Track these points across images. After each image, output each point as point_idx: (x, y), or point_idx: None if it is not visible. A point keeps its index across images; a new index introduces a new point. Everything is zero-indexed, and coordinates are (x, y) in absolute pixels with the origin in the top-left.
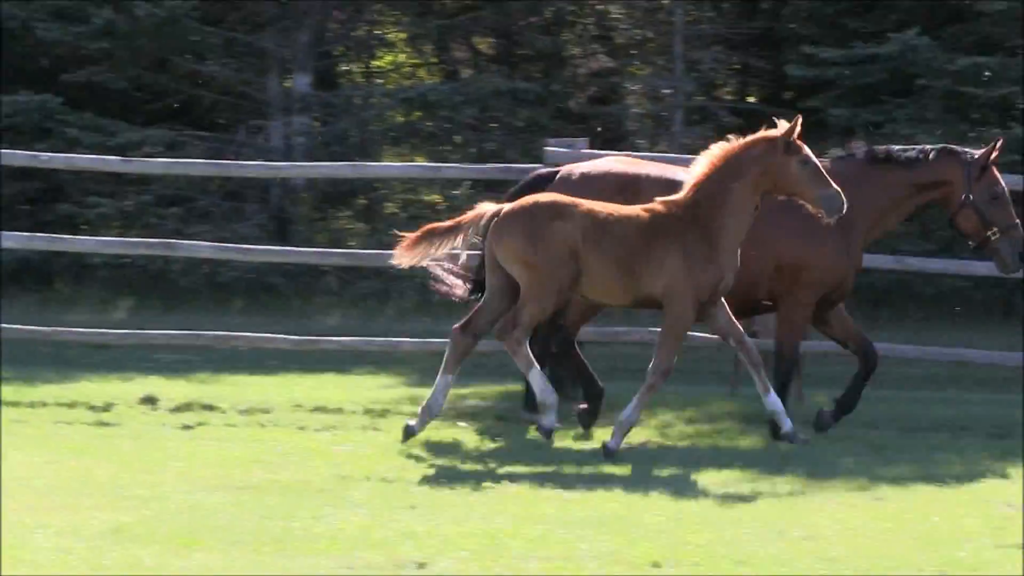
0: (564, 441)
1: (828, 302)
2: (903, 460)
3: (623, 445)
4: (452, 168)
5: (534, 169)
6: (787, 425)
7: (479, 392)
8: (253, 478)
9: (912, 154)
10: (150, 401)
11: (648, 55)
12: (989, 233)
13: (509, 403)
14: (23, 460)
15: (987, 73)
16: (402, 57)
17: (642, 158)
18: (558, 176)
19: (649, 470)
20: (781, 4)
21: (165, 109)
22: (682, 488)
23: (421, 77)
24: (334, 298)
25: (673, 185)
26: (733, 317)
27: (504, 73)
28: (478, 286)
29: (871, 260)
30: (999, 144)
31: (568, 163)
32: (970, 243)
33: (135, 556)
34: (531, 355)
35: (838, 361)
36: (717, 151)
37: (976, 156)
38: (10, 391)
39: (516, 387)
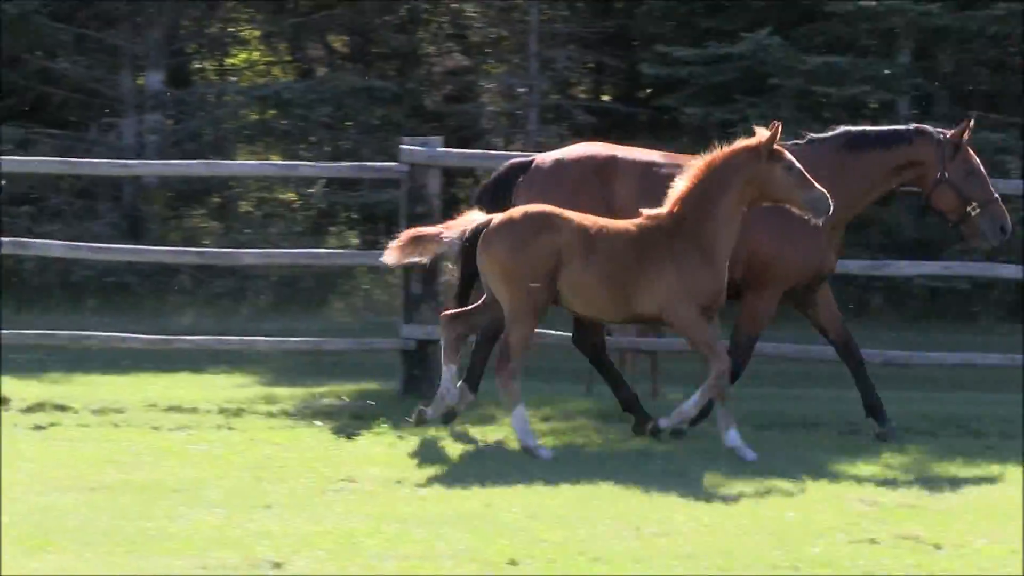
0: (420, 441)
1: (807, 286)
2: (758, 457)
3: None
4: (307, 167)
5: (389, 168)
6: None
7: (336, 391)
8: (107, 478)
9: (885, 135)
10: (1, 401)
11: (503, 53)
12: (969, 209)
13: (365, 402)
14: None
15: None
16: (256, 55)
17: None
18: (533, 164)
19: (507, 468)
20: (635, 3)
21: (16, 107)
22: (539, 486)
23: (276, 75)
24: (188, 297)
25: (649, 165)
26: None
27: (359, 71)
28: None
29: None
30: (971, 122)
31: (423, 162)
32: (950, 222)
33: None
34: (518, 394)
35: (695, 358)
36: (700, 163)
37: (948, 135)
38: None
39: (373, 386)
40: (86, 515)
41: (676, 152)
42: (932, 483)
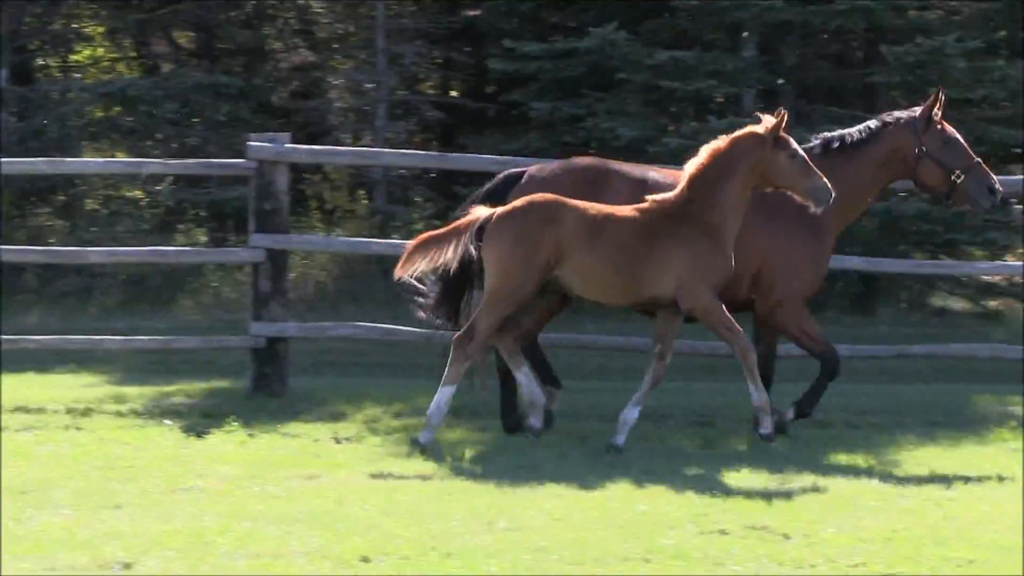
0: (271, 439)
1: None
2: (606, 451)
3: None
4: (153, 164)
5: (237, 164)
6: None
7: (184, 390)
8: None
9: (859, 135)
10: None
11: (350, 49)
12: (954, 178)
13: (214, 400)
14: None
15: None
16: (101, 51)
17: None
18: (526, 175)
19: (358, 465)
20: None
21: None
22: (391, 482)
23: (120, 72)
24: (34, 296)
25: (642, 179)
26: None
27: (205, 67)
28: (447, 290)
29: None
30: (941, 96)
31: (270, 158)
32: (940, 195)
33: None
34: (460, 375)
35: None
36: (706, 149)
37: (916, 112)
38: None
39: (223, 384)
40: None
41: (663, 166)
42: (780, 474)
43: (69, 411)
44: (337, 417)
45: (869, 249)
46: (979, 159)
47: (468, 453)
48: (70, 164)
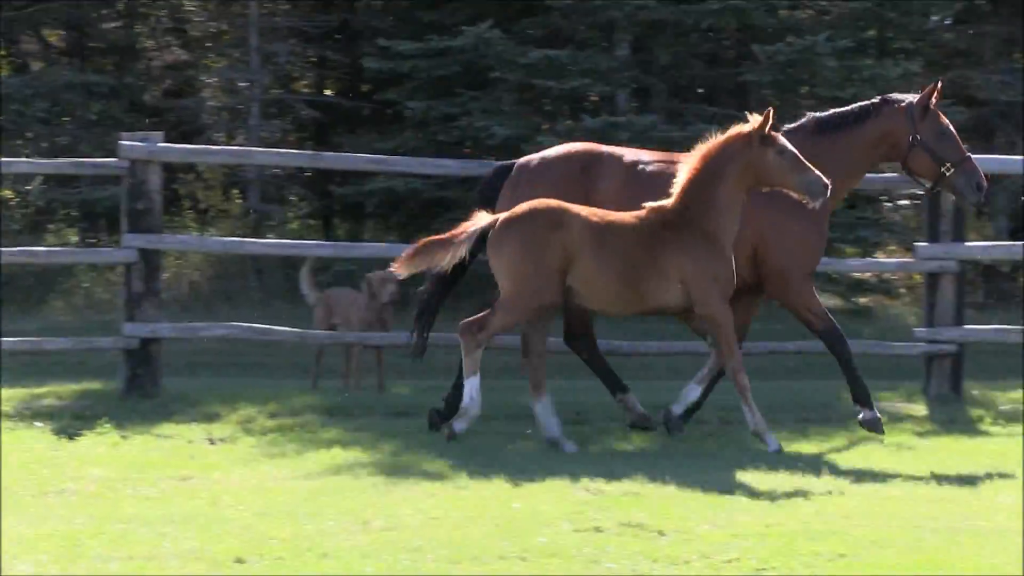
0: (144, 441)
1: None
2: (483, 448)
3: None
4: (23, 163)
5: (109, 164)
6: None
7: (56, 391)
8: None
9: (853, 113)
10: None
11: (223, 48)
12: (943, 169)
13: (86, 402)
14: None
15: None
16: None
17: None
18: (516, 165)
19: (232, 466)
20: None
21: None
22: (266, 483)
23: None
24: None
25: (635, 162)
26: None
27: (76, 66)
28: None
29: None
30: (939, 85)
31: (143, 157)
32: (927, 184)
33: None
34: (478, 363)
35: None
36: (696, 154)
37: (915, 99)
38: None
39: (95, 385)
40: None
41: (661, 150)
42: (655, 471)
43: None
44: (211, 418)
45: None
46: (969, 154)
47: (343, 453)
48: None
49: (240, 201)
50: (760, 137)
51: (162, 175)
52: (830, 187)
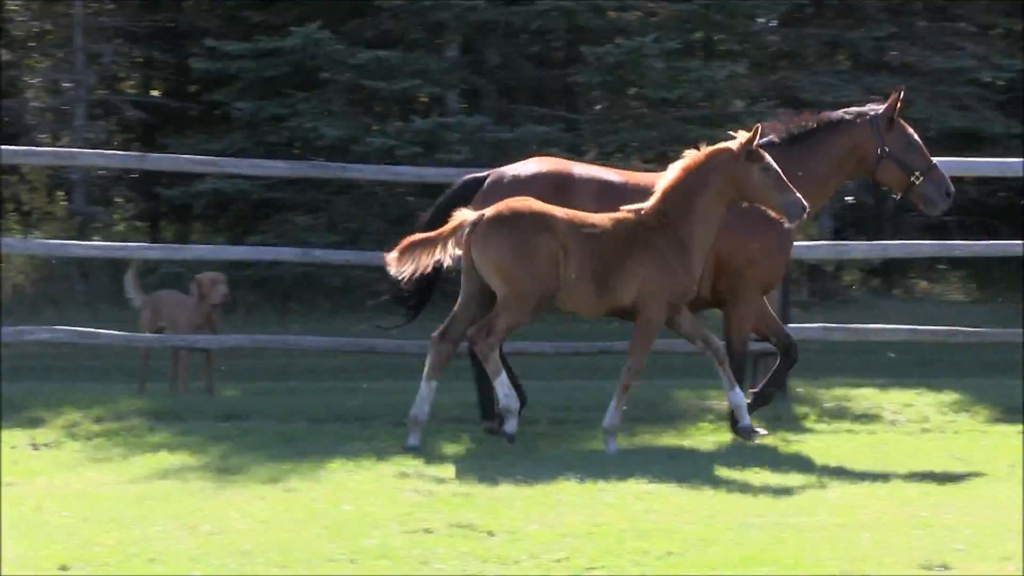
0: None
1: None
2: (313, 451)
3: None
4: None
5: None
6: (745, 420)
7: None
8: None
9: (825, 122)
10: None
11: (47, 48)
12: (912, 179)
13: None
14: None
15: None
16: None
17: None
18: (489, 179)
19: (57, 472)
20: None
21: None
22: (91, 488)
23: None
24: None
25: (606, 184)
26: (693, 318)
27: None
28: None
29: (279, 252)
30: (902, 95)
31: None
32: (895, 195)
33: None
34: (500, 362)
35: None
36: (681, 163)
37: (879, 111)
38: None
39: None
40: None
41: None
42: (484, 472)
43: None
44: (35, 423)
45: None
46: (934, 161)
47: (170, 457)
48: None
49: (65, 203)
50: (747, 152)
51: None
52: (808, 209)
